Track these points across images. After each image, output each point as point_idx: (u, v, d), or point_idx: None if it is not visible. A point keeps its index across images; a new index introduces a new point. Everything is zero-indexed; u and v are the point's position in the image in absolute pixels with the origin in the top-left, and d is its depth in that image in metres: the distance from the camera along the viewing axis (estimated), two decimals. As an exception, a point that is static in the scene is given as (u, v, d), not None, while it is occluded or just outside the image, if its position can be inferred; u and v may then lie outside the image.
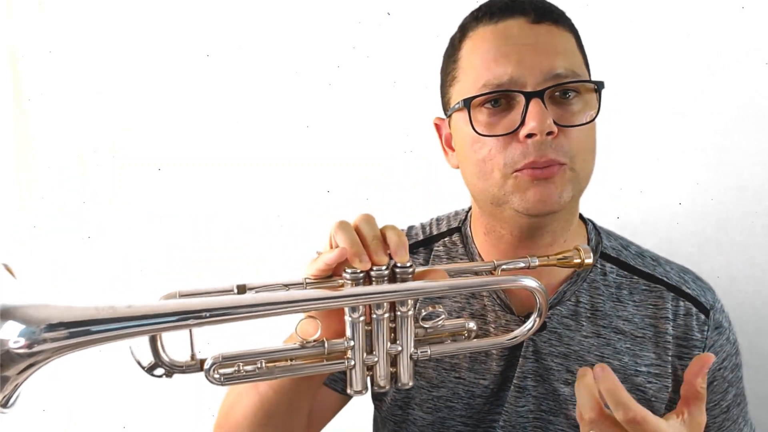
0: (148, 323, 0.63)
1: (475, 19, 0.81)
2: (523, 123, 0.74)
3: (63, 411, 1.72)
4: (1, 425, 1.74)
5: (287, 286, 0.69)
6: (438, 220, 0.98)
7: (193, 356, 0.70)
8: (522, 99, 0.74)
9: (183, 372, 0.69)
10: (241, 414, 0.85)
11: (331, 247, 0.69)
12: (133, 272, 1.61)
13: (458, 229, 0.94)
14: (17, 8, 1.55)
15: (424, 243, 0.95)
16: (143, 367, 0.69)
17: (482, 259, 0.89)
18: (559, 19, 0.79)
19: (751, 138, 1.31)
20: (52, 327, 0.60)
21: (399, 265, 0.67)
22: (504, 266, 0.75)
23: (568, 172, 0.77)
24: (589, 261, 0.75)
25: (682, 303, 0.84)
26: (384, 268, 0.67)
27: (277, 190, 1.51)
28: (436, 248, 0.94)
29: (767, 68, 1.28)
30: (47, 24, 1.54)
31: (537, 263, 0.75)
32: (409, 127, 1.43)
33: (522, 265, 0.75)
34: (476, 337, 0.75)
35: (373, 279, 0.67)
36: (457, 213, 0.98)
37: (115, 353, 1.66)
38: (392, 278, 0.68)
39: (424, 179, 1.43)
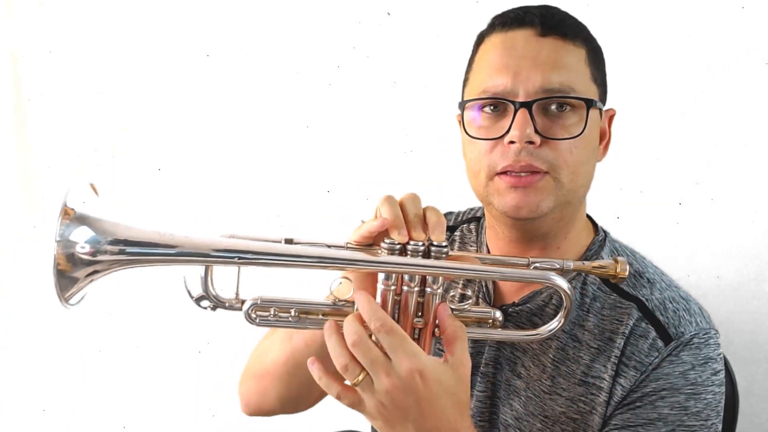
0: (201, 255, 0.70)
1: (491, 26, 0.87)
2: (508, 131, 0.79)
3: (63, 411, 1.72)
4: (1, 425, 1.74)
5: (330, 246, 0.75)
6: (471, 209, 1.04)
7: (237, 295, 0.76)
8: (512, 108, 0.80)
9: (225, 308, 0.76)
10: (271, 361, 0.91)
11: (375, 218, 0.73)
12: (132, 272, 1.61)
13: (478, 219, 1.00)
14: (17, 8, 1.55)
15: (451, 228, 1.01)
16: (192, 297, 0.76)
17: (488, 250, 0.93)
18: (568, 32, 0.82)
19: (752, 138, 1.31)
20: (116, 241, 0.70)
21: (435, 243, 0.71)
22: (537, 264, 0.77)
23: (550, 181, 0.80)
24: (624, 275, 0.78)
25: (644, 324, 0.82)
26: (420, 244, 0.70)
27: (277, 190, 1.51)
28: (455, 234, 1.00)
29: (767, 68, 1.28)
30: (47, 24, 1.54)
31: (572, 266, 0.78)
32: (409, 127, 1.43)
33: (557, 265, 0.78)
34: (499, 325, 0.78)
35: (409, 252, 0.71)
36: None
37: (115, 353, 1.66)
38: (427, 255, 0.71)
39: (424, 179, 1.43)
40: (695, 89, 1.32)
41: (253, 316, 0.75)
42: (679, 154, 1.34)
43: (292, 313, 0.74)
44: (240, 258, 0.69)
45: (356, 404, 0.69)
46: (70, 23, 1.53)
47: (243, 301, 0.75)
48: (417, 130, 1.43)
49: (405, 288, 0.72)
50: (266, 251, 0.70)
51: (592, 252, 0.88)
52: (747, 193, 1.32)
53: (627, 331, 0.82)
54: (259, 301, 0.74)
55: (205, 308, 0.76)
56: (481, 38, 0.88)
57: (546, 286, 0.86)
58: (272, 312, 0.74)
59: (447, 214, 1.03)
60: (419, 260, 0.70)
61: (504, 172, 0.80)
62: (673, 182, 1.35)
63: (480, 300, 0.91)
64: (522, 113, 0.78)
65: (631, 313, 0.83)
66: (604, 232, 0.92)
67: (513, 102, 0.79)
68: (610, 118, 0.89)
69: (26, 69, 1.57)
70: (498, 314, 0.78)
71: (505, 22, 0.84)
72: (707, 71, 1.30)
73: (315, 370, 0.70)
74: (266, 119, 1.49)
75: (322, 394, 0.98)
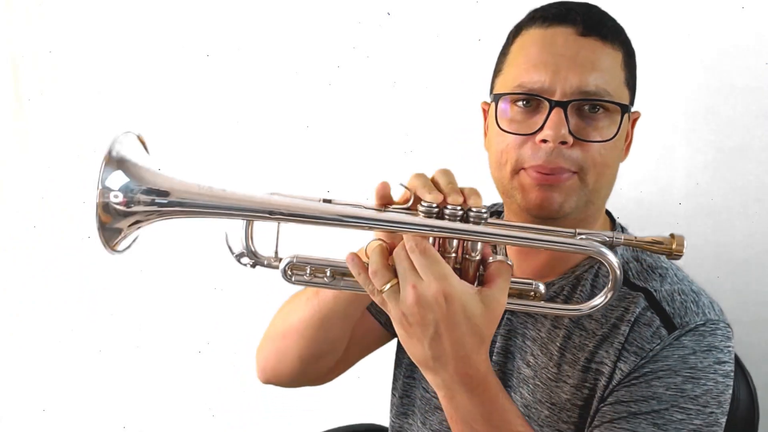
0: (238, 209, 0.72)
1: (531, 19, 0.86)
2: (541, 128, 0.79)
3: (63, 411, 1.72)
4: (1, 425, 1.74)
5: (368, 208, 0.75)
6: (494, 204, 1.03)
7: (276, 253, 0.78)
8: (548, 106, 0.79)
9: (264, 266, 0.78)
10: (297, 318, 0.93)
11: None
12: (133, 272, 1.61)
13: (498, 213, 1.01)
14: (17, 8, 1.55)
15: None
16: (233, 254, 0.78)
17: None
18: (608, 34, 0.83)
19: (752, 138, 1.31)
20: (150, 191, 0.70)
21: (474, 208, 0.70)
22: (584, 235, 0.75)
23: (576, 182, 0.81)
24: (681, 251, 0.75)
25: (649, 313, 0.82)
26: (459, 208, 0.69)
27: (277, 190, 1.51)
28: None
29: (767, 68, 1.28)
30: (47, 24, 1.54)
31: (622, 240, 0.76)
32: (409, 127, 1.43)
33: (606, 238, 0.75)
34: (541, 298, 0.76)
35: (447, 216, 0.69)
36: None
37: (115, 353, 1.66)
38: (465, 220, 0.70)
39: (424, 179, 1.43)
40: (695, 89, 1.31)
41: (290, 274, 0.77)
42: (679, 154, 1.34)
43: (328, 273, 0.76)
44: (280, 214, 0.71)
45: (383, 305, 0.70)
46: (70, 23, 1.53)
47: (281, 260, 0.77)
48: (417, 130, 1.43)
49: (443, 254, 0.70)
50: (306, 208, 0.71)
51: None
52: (747, 193, 1.32)
53: (632, 319, 0.82)
54: (295, 260, 0.76)
55: (245, 265, 0.78)
56: (518, 30, 0.87)
57: (559, 278, 0.86)
58: (308, 271, 0.76)
59: (492, 204, 1.04)
60: (460, 224, 0.69)
61: (529, 168, 0.80)
62: (673, 182, 1.35)
63: None
64: (557, 112, 0.79)
65: (638, 302, 0.83)
66: (622, 227, 0.93)
67: (549, 100, 0.79)
68: (634, 121, 0.90)
69: (26, 69, 1.57)
70: (541, 287, 0.76)
71: (546, 17, 0.84)
72: (707, 71, 1.30)
73: (354, 265, 0.70)
74: (266, 119, 1.49)
75: (338, 367, 1.01)
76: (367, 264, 0.70)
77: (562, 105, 0.79)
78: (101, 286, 1.64)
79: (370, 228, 0.71)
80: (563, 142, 0.79)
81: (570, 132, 0.79)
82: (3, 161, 1.62)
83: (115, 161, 0.69)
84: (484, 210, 0.70)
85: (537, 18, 0.85)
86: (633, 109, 0.87)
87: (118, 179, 0.69)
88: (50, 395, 1.71)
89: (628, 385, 0.80)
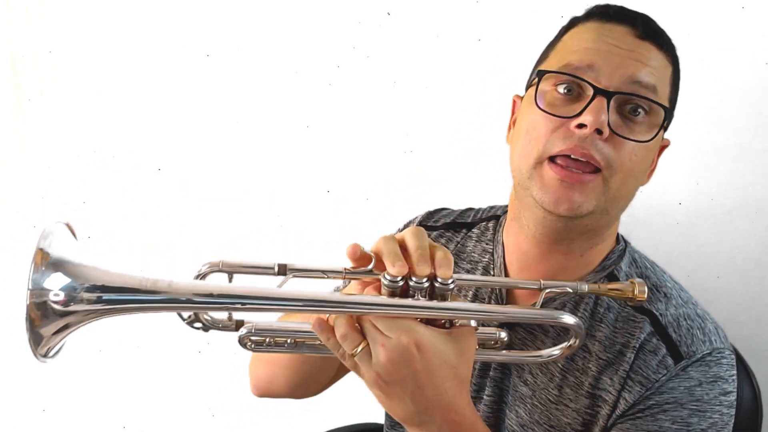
0: (186, 303, 0.65)
1: (587, 15, 0.84)
2: (579, 114, 0.75)
3: (63, 411, 1.72)
4: (1, 425, 1.74)
5: (326, 272, 0.70)
6: (492, 207, 1.02)
7: (230, 317, 0.73)
8: (590, 93, 0.76)
9: (219, 329, 0.73)
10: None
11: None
12: (132, 272, 1.61)
13: (497, 217, 0.98)
14: (17, 8, 1.55)
15: (468, 225, 0.99)
16: (183, 319, 0.72)
17: (503, 250, 0.91)
18: (664, 44, 0.81)
19: (752, 138, 1.31)
20: (94, 288, 0.63)
21: (440, 280, 0.66)
22: (550, 288, 0.74)
23: (599, 183, 0.77)
24: (642, 297, 0.75)
25: (655, 340, 0.80)
26: (425, 280, 0.66)
27: (277, 190, 1.51)
28: (472, 231, 0.98)
29: (767, 68, 1.28)
30: (47, 24, 1.54)
31: (586, 290, 0.74)
32: (409, 127, 1.43)
33: (569, 290, 0.75)
34: (504, 346, 0.76)
35: (411, 289, 0.67)
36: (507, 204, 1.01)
37: (115, 353, 1.66)
38: (431, 291, 0.67)
39: (424, 179, 1.43)
40: (695, 89, 1.31)
41: (247, 343, 0.73)
42: (679, 154, 1.34)
43: (289, 341, 0.72)
44: (231, 304, 0.65)
45: (355, 369, 0.68)
46: (70, 23, 1.53)
47: (238, 324, 0.73)
48: (417, 130, 1.43)
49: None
50: (255, 295, 0.65)
51: (610, 262, 0.86)
52: (747, 193, 1.32)
53: (637, 345, 0.80)
54: (253, 330, 0.72)
55: (198, 329, 0.73)
56: (572, 23, 0.85)
57: (560, 293, 0.85)
58: (268, 339, 0.72)
59: (467, 211, 1.03)
60: (423, 302, 0.66)
61: (555, 160, 0.77)
62: (673, 182, 1.35)
63: (492, 302, 0.89)
64: (600, 100, 0.75)
65: (644, 327, 0.81)
66: (625, 241, 0.90)
67: (594, 86, 0.76)
68: (662, 148, 0.88)
69: (26, 69, 1.57)
70: (503, 335, 0.76)
71: (606, 13, 0.82)
72: (707, 71, 1.30)
73: (322, 331, 0.67)
74: (266, 119, 1.49)
75: (331, 381, 0.99)
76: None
77: (607, 95, 0.75)
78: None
79: (335, 311, 0.67)
80: (599, 132, 0.75)
81: (608, 124, 0.75)
82: (3, 161, 1.62)
83: (47, 258, 0.63)
84: (449, 283, 0.67)
85: (595, 14, 0.83)
86: (665, 135, 0.85)
87: (51, 278, 0.63)
88: (50, 395, 1.71)
89: (633, 417, 0.78)
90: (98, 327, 1.80)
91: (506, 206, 0.99)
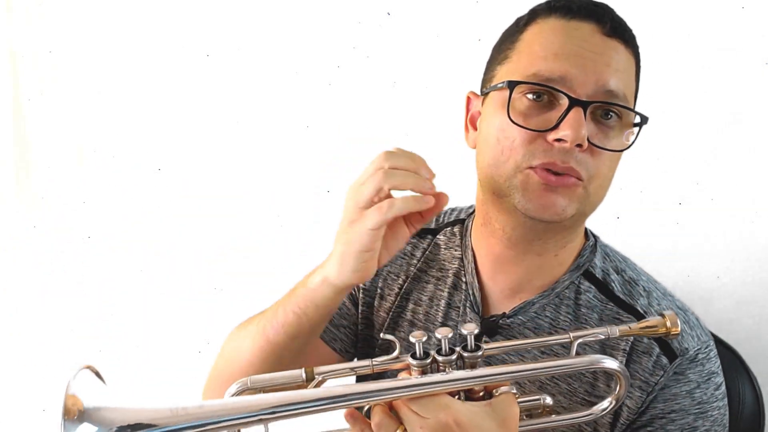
0: (221, 422, 0.63)
1: (549, 8, 0.79)
2: (556, 127, 0.73)
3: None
4: (1, 425, 1.74)
5: (354, 369, 0.71)
6: (452, 210, 0.98)
7: (266, 429, 0.71)
8: (565, 103, 0.73)
9: None
10: (246, 360, 0.84)
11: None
12: (132, 272, 1.61)
13: (462, 221, 0.95)
14: (17, 8, 1.55)
15: (433, 231, 0.96)
16: None
17: (474, 254, 0.88)
18: (629, 40, 0.78)
19: (751, 138, 1.31)
20: (122, 429, 0.62)
21: (468, 349, 0.66)
22: (582, 339, 0.72)
23: (580, 190, 0.75)
24: (677, 330, 0.72)
25: (646, 339, 0.79)
26: (453, 354, 0.66)
27: (277, 190, 1.51)
28: (438, 237, 0.95)
29: (767, 68, 1.28)
30: (47, 24, 1.54)
31: (617, 333, 0.72)
32: (409, 127, 1.43)
33: (601, 336, 0.72)
34: (551, 411, 0.74)
35: (440, 364, 0.66)
36: (471, 206, 0.97)
37: (115, 353, 1.66)
38: (460, 360, 0.67)
39: (424, 179, 1.42)
40: (695, 89, 1.31)
41: None
42: (679, 154, 1.34)
43: None
44: (265, 415, 0.63)
45: None
46: (70, 23, 1.53)
47: None
48: (417, 130, 1.43)
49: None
50: (287, 402, 0.64)
51: (584, 259, 0.86)
52: (747, 193, 1.32)
53: (628, 348, 0.79)
54: None
55: None
56: (532, 17, 0.80)
57: (538, 296, 0.84)
58: None
59: (451, 211, 1.00)
60: (449, 374, 0.65)
61: (535, 168, 0.74)
62: (673, 182, 1.35)
63: (468, 310, 0.87)
64: (576, 112, 0.71)
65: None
66: (594, 236, 0.89)
67: (569, 97, 0.72)
68: None
69: (26, 69, 1.57)
70: (549, 400, 0.73)
71: (569, 8, 0.77)
72: (707, 71, 1.30)
73: (355, 422, 0.67)
74: (266, 119, 1.49)
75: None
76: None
77: (583, 104, 0.72)
78: (101, 286, 1.64)
79: (368, 402, 0.66)
80: (578, 145, 0.72)
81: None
82: (3, 161, 1.62)
83: (76, 412, 0.63)
84: (478, 349, 0.66)
85: (557, 8, 0.78)
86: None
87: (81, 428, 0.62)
88: (50, 395, 1.71)
89: (641, 429, 0.78)
90: (98, 327, 1.80)
91: (469, 208, 0.97)
